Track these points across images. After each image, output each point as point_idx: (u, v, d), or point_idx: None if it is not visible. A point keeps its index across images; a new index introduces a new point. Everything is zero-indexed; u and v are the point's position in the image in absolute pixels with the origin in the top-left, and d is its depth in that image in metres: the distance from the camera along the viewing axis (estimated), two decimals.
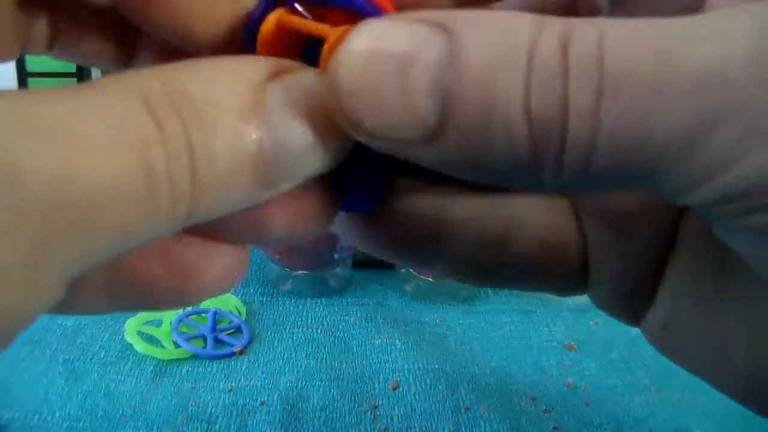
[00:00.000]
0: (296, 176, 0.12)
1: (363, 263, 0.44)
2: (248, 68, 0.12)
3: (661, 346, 0.15)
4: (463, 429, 0.30)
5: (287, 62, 0.13)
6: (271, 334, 0.37)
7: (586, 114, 0.10)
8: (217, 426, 0.29)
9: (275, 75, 0.12)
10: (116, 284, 0.13)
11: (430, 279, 0.42)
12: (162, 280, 0.13)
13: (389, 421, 0.30)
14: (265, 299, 0.41)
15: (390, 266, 0.44)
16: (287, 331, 0.37)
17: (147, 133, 0.10)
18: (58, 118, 0.10)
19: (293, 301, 0.40)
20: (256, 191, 0.12)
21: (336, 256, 0.40)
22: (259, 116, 0.11)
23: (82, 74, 0.52)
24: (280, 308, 0.40)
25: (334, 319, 0.39)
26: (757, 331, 0.13)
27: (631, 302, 0.16)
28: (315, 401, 0.31)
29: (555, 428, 0.30)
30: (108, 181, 0.10)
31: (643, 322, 0.15)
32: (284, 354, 0.35)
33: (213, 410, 0.30)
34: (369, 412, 0.31)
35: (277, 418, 0.30)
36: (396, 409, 0.31)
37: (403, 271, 0.43)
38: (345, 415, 0.31)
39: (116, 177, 0.10)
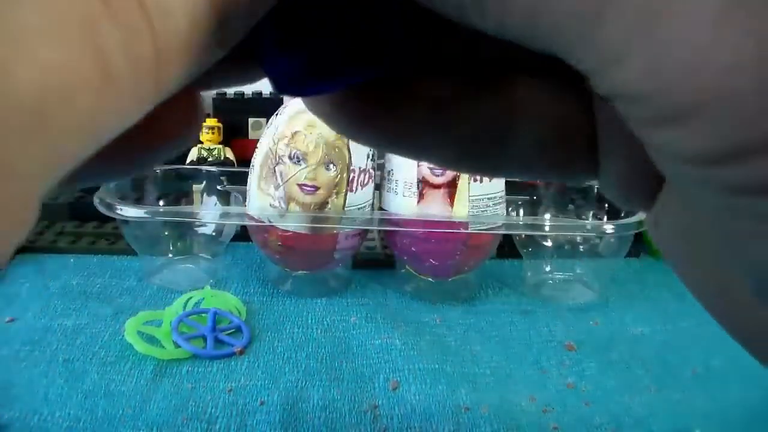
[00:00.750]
0: (248, 23, 0.11)
1: (363, 263, 0.44)
2: None
3: (657, 245, 0.15)
4: (463, 429, 0.30)
5: None
6: (271, 334, 0.37)
7: None
8: (217, 426, 0.29)
9: None
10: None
11: (430, 279, 0.42)
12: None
13: (389, 421, 0.30)
14: (265, 299, 0.41)
15: (390, 266, 0.44)
16: (287, 331, 0.37)
17: (91, 8, 0.09)
18: None
19: (293, 301, 0.40)
20: (216, 50, 0.11)
21: (336, 255, 0.40)
22: None
23: None
24: (280, 308, 0.40)
25: (334, 319, 0.39)
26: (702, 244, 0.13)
27: (638, 194, 0.15)
28: (315, 401, 0.31)
29: (555, 428, 0.30)
30: (56, 74, 0.09)
31: (646, 217, 0.15)
32: (284, 354, 0.35)
33: (213, 410, 0.30)
34: (369, 412, 0.31)
35: (277, 418, 0.30)
36: (396, 409, 0.31)
37: (403, 271, 0.43)
38: (345, 415, 0.31)
39: (63, 68, 0.09)
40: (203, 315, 0.37)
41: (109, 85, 0.09)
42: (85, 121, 0.09)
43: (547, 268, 0.44)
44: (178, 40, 0.10)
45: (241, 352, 0.35)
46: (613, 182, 0.15)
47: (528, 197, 0.45)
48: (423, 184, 0.38)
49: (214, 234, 0.43)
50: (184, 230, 0.42)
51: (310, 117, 0.37)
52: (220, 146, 0.50)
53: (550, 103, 0.15)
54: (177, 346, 0.35)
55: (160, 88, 0.10)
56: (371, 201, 0.40)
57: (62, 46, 0.09)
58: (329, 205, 0.37)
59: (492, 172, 0.16)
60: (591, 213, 0.44)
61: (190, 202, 0.45)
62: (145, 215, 0.38)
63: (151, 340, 0.35)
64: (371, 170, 0.39)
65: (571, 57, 0.11)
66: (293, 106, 0.38)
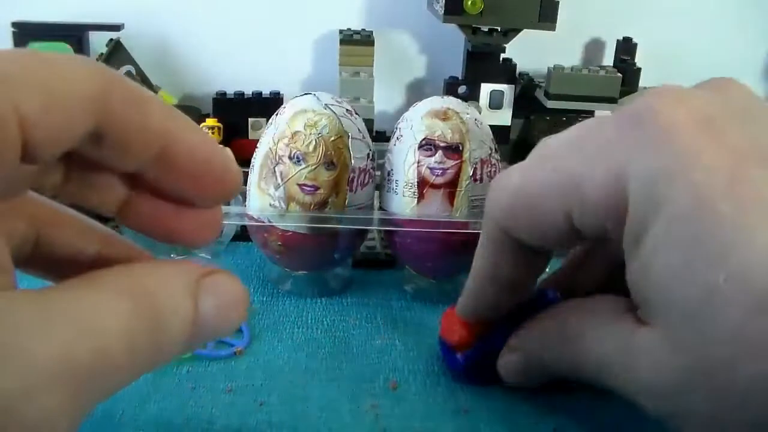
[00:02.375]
0: (212, 337, 0.20)
1: (363, 263, 0.44)
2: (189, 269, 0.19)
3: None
4: (463, 430, 0.30)
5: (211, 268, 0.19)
6: (271, 334, 0.37)
7: None
8: (217, 426, 0.29)
9: (206, 275, 0.19)
10: None
11: (430, 279, 0.42)
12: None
13: (389, 421, 0.30)
14: (265, 299, 0.41)
15: (390, 266, 0.44)
16: (287, 331, 0.37)
17: (130, 316, 0.16)
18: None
19: (293, 301, 0.40)
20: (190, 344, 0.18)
21: (336, 255, 0.40)
22: (194, 300, 0.18)
23: None
24: (280, 308, 0.40)
25: (334, 319, 0.39)
26: None
27: None
28: (315, 401, 0.31)
29: (554, 430, 0.30)
30: (107, 353, 0.16)
31: None
32: (284, 354, 0.35)
33: (213, 410, 0.30)
34: (369, 412, 0.31)
35: (277, 418, 0.30)
36: (396, 409, 0.31)
37: (403, 271, 0.43)
38: (345, 415, 0.31)
39: (111, 350, 0.16)
40: None
41: (131, 357, 0.17)
42: (118, 377, 0.17)
43: (547, 268, 0.44)
44: (171, 336, 0.18)
45: (241, 352, 0.35)
46: None
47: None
48: (423, 184, 0.38)
49: None
50: None
51: (310, 117, 0.37)
52: (220, 146, 0.50)
53: None
54: None
55: (155, 361, 0.18)
56: (371, 201, 0.40)
57: (110, 336, 0.16)
58: (329, 205, 0.37)
59: None
60: None
61: None
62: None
63: None
64: (371, 170, 0.39)
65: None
66: (293, 106, 0.38)
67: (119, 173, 0.19)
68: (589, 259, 0.32)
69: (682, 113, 0.23)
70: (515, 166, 0.27)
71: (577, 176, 0.24)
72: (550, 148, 0.26)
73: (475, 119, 0.39)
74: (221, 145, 0.21)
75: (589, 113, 0.54)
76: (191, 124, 0.19)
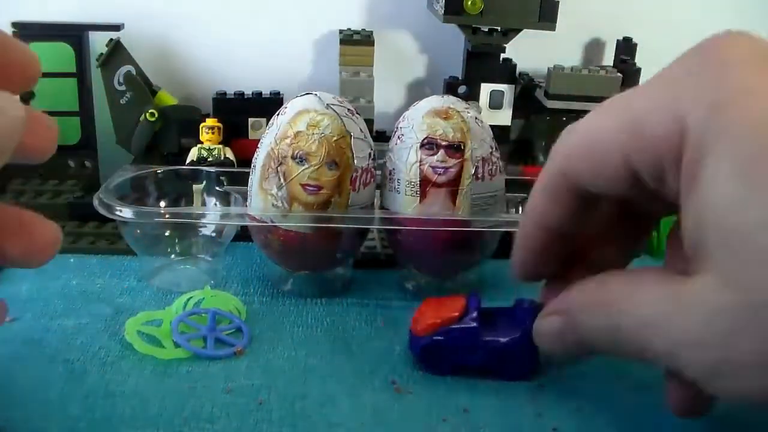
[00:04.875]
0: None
1: (363, 263, 0.44)
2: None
3: None
4: (463, 429, 0.30)
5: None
6: (271, 334, 0.37)
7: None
8: (217, 426, 0.29)
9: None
10: None
11: (431, 278, 0.42)
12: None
13: (389, 421, 0.30)
14: (265, 299, 0.41)
15: (390, 266, 0.44)
16: (287, 331, 0.37)
17: None
18: None
19: (293, 301, 0.40)
20: None
21: (339, 255, 0.40)
22: None
23: (83, 75, 0.52)
24: (281, 308, 0.40)
25: (334, 319, 0.39)
26: None
27: None
28: (315, 401, 0.31)
29: (554, 429, 0.30)
30: None
31: None
32: (284, 354, 0.35)
33: (213, 410, 0.30)
34: (369, 412, 0.31)
35: (277, 418, 0.30)
36: (396, 408, 0.31)
37: (404, 270, 0.43)
38: (345, 414, 0.31)
39: None
40: (203, 315, 0.37)
41: None
42: None
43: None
44: None
45: (241, 352, 0.35)
46: None
47: (528, 196, 0.45)
48: (425, 182, 0.37)
49: (214, 235, 0.43)
50: (184, 231, 0.42)
51: (312, 116, 0.37)
52: (220, 146, 0.50)
53: None
54: (177, 345, 0.34)
55: None
56: (373, 200, 0.40)
57: None
58: (332, 205, 0.37)
59: None
60: None
61: (190, 203, 0.45)
62: (146, 217, 0.38)
63: (151, 340, 0.35)
64: (373, 169, 0.39)
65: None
66: (295, 106, 0.38)
67: None
68: (548, 247, 0.30)
69: (743, 49, 0.23)
70: (591, 111, 0.27)
71: (639, 114, 0.24)
72: (626, 91, 0.27)
73: (476, 118, 0.39)
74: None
75: None
76: None
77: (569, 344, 0.29)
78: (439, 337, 0.33)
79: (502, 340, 0.33)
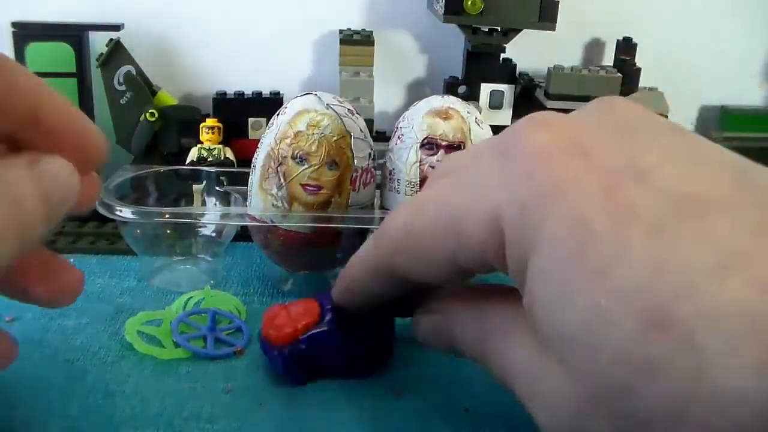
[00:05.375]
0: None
1: None
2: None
3: None
4: (463, 429, 0.30)
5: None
6: None
7: None
8: (217, 426, 0.29)
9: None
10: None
11: None
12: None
13: (389, 420, 0.30)
14: (265, 299, 0.41)
15: None
16: None
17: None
18: None
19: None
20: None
21: (339, 255, 0.40)
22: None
23: (83, 75, 0.52)
24: None
25: None
26: None
27: None
28: (314, 401, 0.31)
29: None
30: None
31: None
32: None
33: (213, 410, 0.30)
34: (369, 412, 0.31)
35: (276, 418, 0.30)
36: (396, 408, 0.31)
37: None
38: (345, 414, 0.31)
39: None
40: (203, 315, 0.37)
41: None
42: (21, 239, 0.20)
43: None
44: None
45: (241, 352, 0.35)
46: None
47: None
48: (425, 183, 0.37)
49: (214, 235, 0.43)
50: (184, 231, 0.42)
51: (312, 117, 0.37)
52: (220, 146, 0.50)
53: None
54: (177, 345, 0.34)
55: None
56: (373, 200, 0.40)
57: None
58: (332, 205, 0.37)
59: None
60: None
61: (190, 203, 0.45)
62: (146, 217, 0.38)
63: (151, 339, 0.35)
64: (373, 169, 0.39)
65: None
66: (295, 106, 0.38)
67: None
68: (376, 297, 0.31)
69: (547, 139, 0.22)
70: (404, 203, 0.28)
71: (457, 215, 0.24)
72: (436, 182, 0.27)
73: (476, 118, 0.39)
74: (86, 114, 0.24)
75: None
76: (57, 92, 0.22)
77: (444, 344, 0.29)
78: (302, 345, 0.31)
79: (361, 334, 0.32)
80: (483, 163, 0.24)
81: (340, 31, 0.57)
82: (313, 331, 0.32)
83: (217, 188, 0.45)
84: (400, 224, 0.27)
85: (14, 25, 0.51)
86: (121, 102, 0.53)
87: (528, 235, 0.21)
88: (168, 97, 0.55)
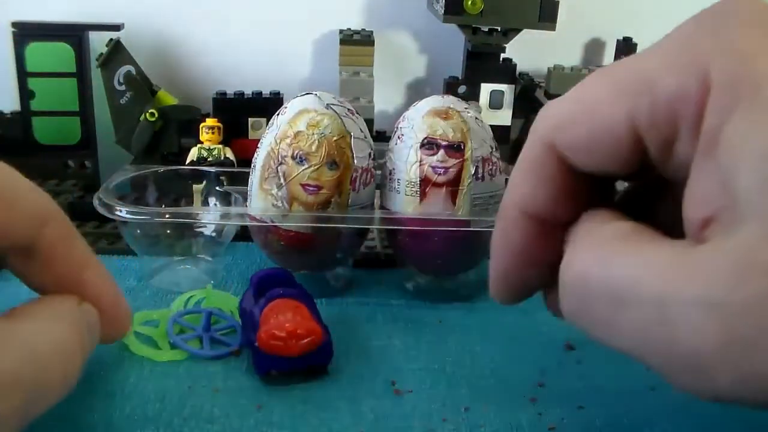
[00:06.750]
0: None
1: (363, 263, 0.44)
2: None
3: None
4: (463, 429, 0.30)
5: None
6: None
7: None
8: (215, 427, 0.29)
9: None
10: None
11: (431, 278, 0.42)
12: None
13: (389, 420, 0.30)
14: None
15: (390, 266, 0.44)
16: None
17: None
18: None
19: None
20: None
21: (339, 255, 0.40)
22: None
23: (83, 75, 0.52)
24: None
25: (334, 319, 0.38)
26: None
27: None
28: (314, 401, 0.31)
29: (551, 429, 0.30)
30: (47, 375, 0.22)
31: None
32: None
33: (213, 410, 0.30)
34: (369, 412, 0.31)
35: (277, 418, 0.30)
36: (396, 409, 0.31)
37: (404, 270, 0.43)
38: (345, 415, 0.31)
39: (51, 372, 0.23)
40: (197, 315, 0.37)
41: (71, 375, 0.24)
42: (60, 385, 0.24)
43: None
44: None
45: (238, 353, 0.35)
46: None
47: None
48: (425, 182, 0.38)
49: (214, 235, 0.43)
50: (184, 231, 0.42)
51: (313, 117, 0.37)
52: (220, 146, 0.50)
53: None
54: (174, 346, 0.34)
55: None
56: (373, 200, 0.40)
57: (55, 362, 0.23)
58: (332, 205, 0.37)
59: None
60: None
61: (190, 203, 0.45)
62: (146, 217, 0.38)
63: (148, 340, 0.35)
64: (372, 169, 0.39)
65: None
66: (295, 106, 0.38)
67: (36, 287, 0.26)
68: (533, 243, 0.25)
69: (759, 7, 0.20)
70: (579, 83, 0.24)
71: (648, 74, 0.21)
72: (622, 59, 0.23)
73: (476, 118, 0.39)
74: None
75: None
76: (103, 268, 0.27)
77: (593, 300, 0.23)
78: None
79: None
80: (688, 25, 0.22)
81: (340, 31, 0.57)
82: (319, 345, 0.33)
83: (217, 188, 0.45)
84: (569, 96, 0.23)
85: (14, 25, 0.51)
86: (121, 102, 0.53)
87: (746, 83, 0.18)
88: (168, 97, 0.55)
